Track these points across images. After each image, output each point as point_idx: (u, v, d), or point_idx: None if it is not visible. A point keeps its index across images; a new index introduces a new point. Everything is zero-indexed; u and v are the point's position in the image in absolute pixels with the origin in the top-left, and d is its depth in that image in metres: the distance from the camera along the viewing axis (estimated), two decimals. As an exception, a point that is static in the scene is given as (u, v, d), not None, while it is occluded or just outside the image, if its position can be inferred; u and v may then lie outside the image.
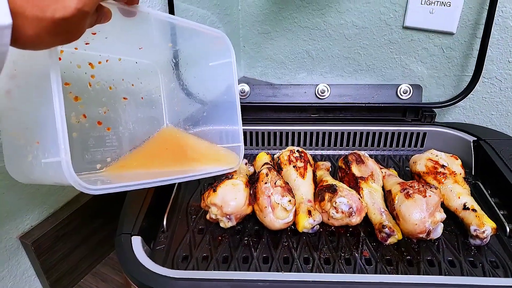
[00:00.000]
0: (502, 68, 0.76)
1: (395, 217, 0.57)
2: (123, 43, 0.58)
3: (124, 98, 0.62)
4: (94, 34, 0.48)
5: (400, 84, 0.77)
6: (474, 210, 0.56)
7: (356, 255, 0.55)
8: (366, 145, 0.79)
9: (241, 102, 0.64)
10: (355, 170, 0.63)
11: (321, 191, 0.60)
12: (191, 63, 0.66)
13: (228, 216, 0.57)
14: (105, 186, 0.42)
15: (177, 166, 0.60)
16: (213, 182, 0.61)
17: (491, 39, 0.74)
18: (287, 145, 0.79)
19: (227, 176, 0.59)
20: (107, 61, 0.58)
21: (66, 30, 0.30)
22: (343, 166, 0.66)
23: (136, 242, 0.52)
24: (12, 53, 0.28)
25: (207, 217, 0.59)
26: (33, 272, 0.66)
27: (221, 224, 0.58)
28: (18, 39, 0.28)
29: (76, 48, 0.53)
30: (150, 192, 0.61)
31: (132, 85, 0.63)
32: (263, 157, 0.69)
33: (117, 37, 0.53)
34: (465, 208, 0.57)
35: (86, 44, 0.52)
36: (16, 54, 0.32)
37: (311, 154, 0.71)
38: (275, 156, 0.69)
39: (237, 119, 0.62)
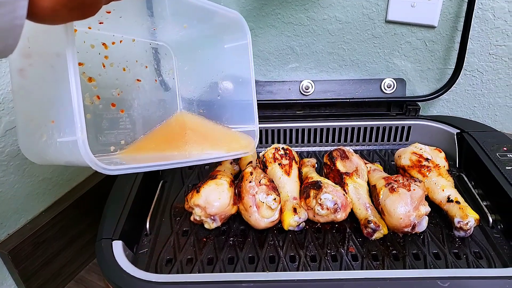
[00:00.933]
0: (483, 60, 0.77)
1: (380, 212, 0.57)
2: (137, 24, 0.57)
3: (138, 80, 0.61)
4: (109, 12, 0.47)
5: (384, 79, 0.77)
6: (458, 202, 0.56)
7: (342, 251, 0.54)
8: (351, 140, 0.78)
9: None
10: (340, 166, 0.63)
11: (306, 188, 0.59)
12: (205, 45, 0.65)
13: (212, 217, 0.56)
14: (121, 167, 0.42)
15: (192, 150, 0.59)
16: (197, 182, 0.60)
17: (472, 31, 0.74)
18: (272, 142, 0.79)
19: (210, 176, 0.59)
20: (120, 41, 0.57)
21: (82, 3, 0.29)
22: (328, 162, 0.65)
23: (117, 247, 0.51)
24: (26, 29, 0.28)
25: (191, 218, 0.59)
26: (12, 281, 0.65)
27: (206, 225, 0.58)
28: (34, 12, 0.27)
29: (90, 28, 0.52)
30: (132, 194, 0.60)
31: (146, 67, 0.63)
32: (248, 155, 0.69)
33: (131, 17, 0.52)
34: (449, 200, 0.57)
35: (100, 23, 0.51)
36: (30, 31, 0.31)
37: (296, 151, 0.71)
38: (260, 154, 0.68)
39: (252, 102, 0.61)
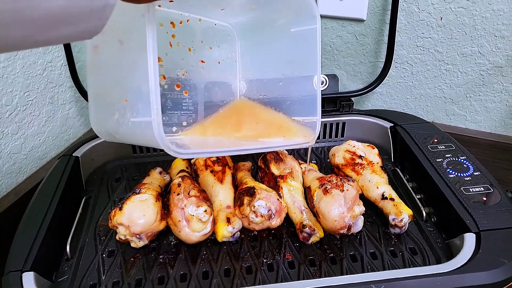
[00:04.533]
0: (412, 52, 0.78)
1: (315, 214, 0.55)
2: (205, 3, 0.56)
3: (202, 62, 0.61)
4: None
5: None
6: (392, 199, 0.56)
7: (279, 259, 0.52)
8: (288, 139, 0.76)
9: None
10: (274, 169, 0.61)
11: (240, 195, 0.56)
12: (270, 28, 0.61)
13: (138, 236, 0.52)
14: (191, 151, 0.42)
15: (252, 136, 0.57)
16: (124, 196, 0.55)
17: (399, 24, 0.74)
18: (206, 147, 0.75)
19: (134, 191, 0.54)
20: (187, 21, 0.56)
21: None
22: (262, 166, 0.63)
23: (28, 279, 0.45)
24: None
25: (117, 237, 0.54)
26: None
27: (132, 244, 0.53)
28: None
29: (159, 6, 0.51)
30: (49, 214, 0.54)
31: (210, 48, 0.62)
32: (179, 163, 0.65)
33: None
34: (383, 197, 0.57)
35: (171, 1, 0.50)
36: None
37: (232, 155, 0.68)
38: (192, 161, 0.65)
39: (315, 92, 0.57)
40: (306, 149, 0.76)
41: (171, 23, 0.55)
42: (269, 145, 0.53)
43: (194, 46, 0.60)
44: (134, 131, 0.41)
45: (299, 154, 0.74)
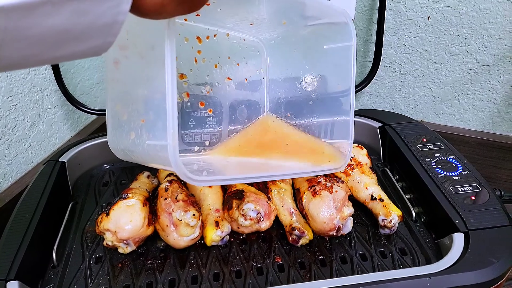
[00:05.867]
0: (400, 52, 0.78)
1: (305, 216, 0.55)
2: (234, 17, 0.53)
3: (228, 78, 0.58)
4: (208, 4, 0.43)
5: (304, 76, 0.75)
6: (381, 199, 0.56)
7: (269, 262, 0.52)
8: (278, 140, 0.76)
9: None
10: (263, 171, 0.60)
11: (229, 198, 0.56)
12: (301, 44, 0.59)
13: (125, 242, 0.51)
14: (208, 178, 0.41)
15: (277, 158, 0.55)
16: (112, 201, 0.54)
17: (387, 24, 0.74)
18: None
19: (121, 196, 0.53)
20: (215, 36, 0.53)
21: None
22: (251, 168, 0.62)
23: (12, 289, 0.44)
24: (126, 21, 0.25)
25: (104, 243, 0.53)
26: None
27: (120, 250, 0.52)
28: (140, 6, 0.25)
29: (185, 20, 0.49)
30: (34, 221, 0.53)
31: (238, 64, 0.59)
32: (166, 167, 0.64)
33: (230, 10, 0.48)
34: (372, 198, 0.56)
35: (197, 15, 0.48)
36: (130, 22, 0.27)
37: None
38: (180, 164, 0.64)
39: (349, 114, 0.54)
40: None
41: (197, 38, 0.53)
42: (295, 171, 0.51)
43: (221, 62, 0.58)
44: (149, 153, 0.39)
45: (288, 155, 0.74)
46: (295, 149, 0.57)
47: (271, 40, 0.62)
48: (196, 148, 0.55)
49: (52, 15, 0.22)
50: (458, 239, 0.49)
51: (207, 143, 0.57)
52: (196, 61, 0.54)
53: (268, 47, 0.62)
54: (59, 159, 0.65)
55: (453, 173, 0.58)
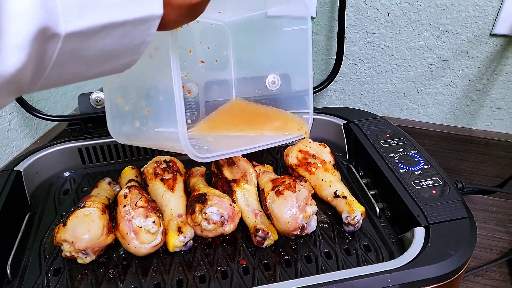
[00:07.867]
0: (363, 48, 0.78)
1: (269, 217, 0.54)
2: (208, 8, 0.56)
3: (201, 62, 0.64)
4: None
5: (268, 75, 0.74)
6: (344, 197, 0.56)
7: (233, 265, 0.51)
8: (244, 141, 0.75)
9: (97, 112, 0.61)
10: (227, 173, 0.59)
11: (192, 202, 0.55)
12: (263, 28, 0.65)
13: (83, 252, 0.49)
14: (212, 154, 0.46)
15: (255, 131, 0.60)
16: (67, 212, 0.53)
17: (348, 21, 0.75)
18: (154, 154, 0.72)
19: (78, 205, 0.51)
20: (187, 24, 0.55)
21: (195, 11, 0.32)
22: (215, 171, 0.61)
23: (-40, 310, 0.42)
24: None
25: (63, 254, 0.51)
26: None
27: (79, 261, 0.51)
28: (161, 26, 0.29)
29: None
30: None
31: (208, 47, 0.64)
32: (128, 172, 0.62)
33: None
34: (336, 196, 0.57)
35: (197, 23, 0.55)
36: None
37: (185, 161, 0.66)
38: (142, 169, 0.62)
39: (308, 87, 0.61)
40: (263, 151, 0.75)
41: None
42: (265, 142, 0.55)
43: (194, 47, 0.63)
44: (156, 138, 0.45)
45: (255, 155, 0.73)
46: (266, 120, 0.63)
47: (235, 23, 0.67)
48: None
49: (104, 38, 0.26)
50: (419, 233, 0.49)
51: (188, 121, 0.62)
52: None
53: (233, 30, 0.67)
54: (14, 169, 0.63)
55: (415, 168, 0.59)
